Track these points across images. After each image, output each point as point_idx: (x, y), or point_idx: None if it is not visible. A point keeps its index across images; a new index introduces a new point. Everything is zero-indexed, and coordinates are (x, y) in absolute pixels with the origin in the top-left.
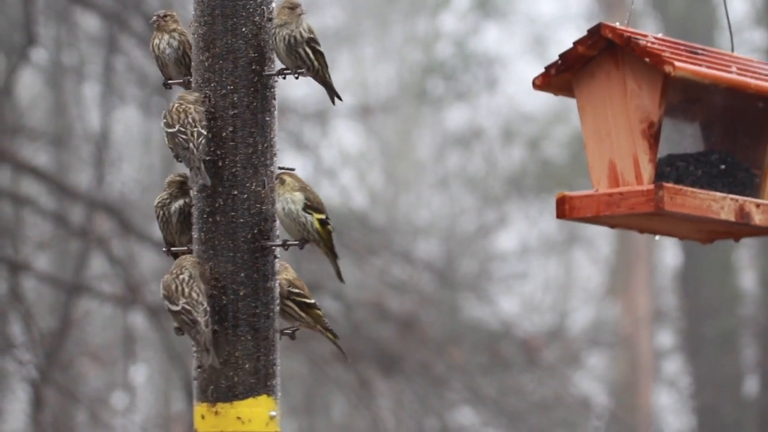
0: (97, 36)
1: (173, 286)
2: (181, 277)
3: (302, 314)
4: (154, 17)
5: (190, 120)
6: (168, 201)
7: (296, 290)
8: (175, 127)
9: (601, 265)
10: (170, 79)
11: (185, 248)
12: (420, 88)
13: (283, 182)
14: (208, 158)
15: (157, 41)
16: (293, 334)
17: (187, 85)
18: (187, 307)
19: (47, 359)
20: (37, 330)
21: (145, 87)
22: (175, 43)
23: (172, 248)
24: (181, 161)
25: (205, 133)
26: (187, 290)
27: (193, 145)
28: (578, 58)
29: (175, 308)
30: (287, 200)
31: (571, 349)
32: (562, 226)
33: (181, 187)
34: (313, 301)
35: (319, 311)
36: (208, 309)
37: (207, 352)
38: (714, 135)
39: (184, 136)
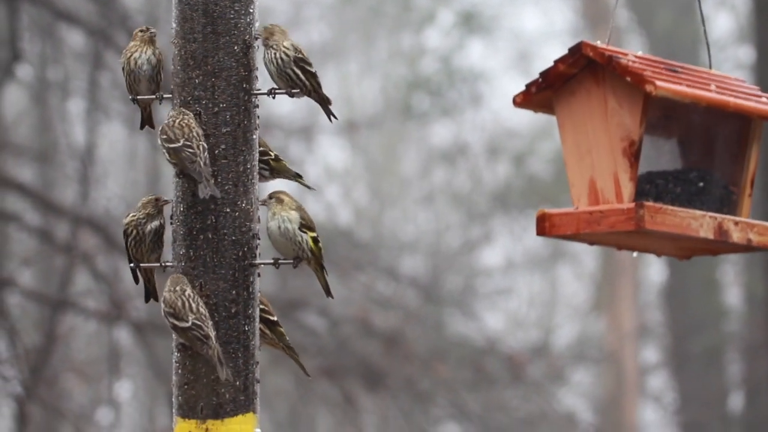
0: (82, 52)
1: (180, 303)
2: (187, 293)
3: (268, 332)
4: (151, 31)
5: (195, 134)
6: (144, 221)
7: (263, 307)
8: (179, 142)
9: (586, 281)
10: (138, 95)
11: (157, 264)
12: (405, 103)
13: (281, 201)
14: None
15: (137, 54)
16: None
17: (159, 101)
18: (198, 323)
19: (32, 375)
20: (21, 346)
21: (130, 103)
22: (154, 60)
23: (141, 264)
24: (181, 177)
25: (206, 146)
26: (194, 306)
27: (201, 158)
28: (559, 76)
29: (184, 324)
30: (283, 219)
31: (556, 365)
32: (547, 241)
33: (156, 207)
34: (275, 318)
35: (281, 328)
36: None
37: (221, 365)
38: (692, 152)
39: (190, 150)
